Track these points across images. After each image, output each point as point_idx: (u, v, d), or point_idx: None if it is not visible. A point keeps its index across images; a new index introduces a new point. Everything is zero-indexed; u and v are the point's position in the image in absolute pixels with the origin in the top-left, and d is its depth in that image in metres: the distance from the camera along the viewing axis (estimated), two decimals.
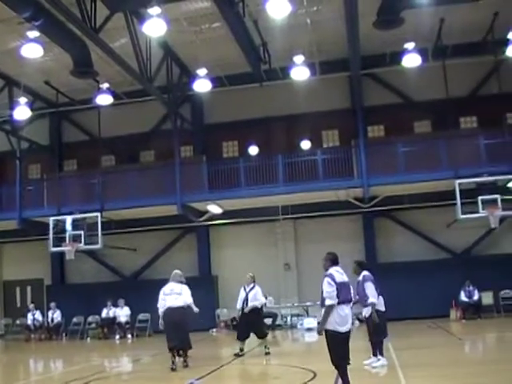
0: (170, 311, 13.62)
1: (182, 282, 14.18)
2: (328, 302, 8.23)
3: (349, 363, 8.42)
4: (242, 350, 15.96)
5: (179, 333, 13.54)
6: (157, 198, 24.45)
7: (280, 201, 24.81)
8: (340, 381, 8.28)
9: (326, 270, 8.67)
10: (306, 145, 27.03)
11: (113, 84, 25.53)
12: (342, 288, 8.35)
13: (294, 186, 23.83)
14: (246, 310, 16.10)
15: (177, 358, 13.58)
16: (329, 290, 8.30)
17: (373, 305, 11.89)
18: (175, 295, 13.81)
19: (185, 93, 26.31)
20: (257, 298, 16.37)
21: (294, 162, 24.28)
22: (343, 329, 8.33)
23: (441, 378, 10.55)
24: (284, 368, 13.62)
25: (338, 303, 8.27)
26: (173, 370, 13.18)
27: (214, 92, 25.29)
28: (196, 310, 14.19)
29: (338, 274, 8.52)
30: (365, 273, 12.28)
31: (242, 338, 16.12)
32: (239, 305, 16.35)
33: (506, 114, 24.75)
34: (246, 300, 16.23)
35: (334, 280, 8.36)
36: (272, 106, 26.60)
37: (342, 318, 8.33)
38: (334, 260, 8.79)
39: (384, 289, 9.33)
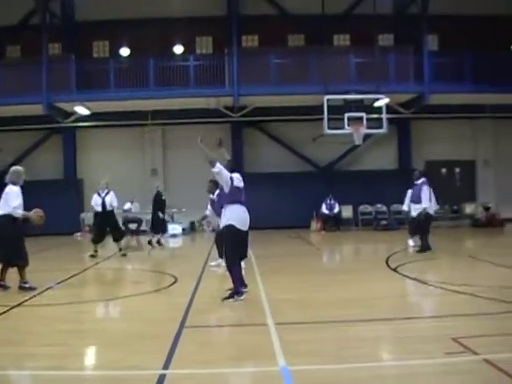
0: None
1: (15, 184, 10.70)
2: (215, 170, 9.24)
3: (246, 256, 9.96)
4: (96, 251, 16.37)
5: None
6: (22, 96, 23.24)
7: (150, 105, 24.40)
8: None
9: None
10: (179, 50, 26.54)
11: None
12: (237, 191, 9.39)
13: (165, 91, 23.44)
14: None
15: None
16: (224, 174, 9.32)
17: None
18: None
19: None
20: (112, 202, 16.70)
21: (166, 67, 23.81)
22: (243, 228, 9.32)
23: (294, 285, 11.03)
24: (146, 273, 13.76)
25: (232, 202, 9.32)
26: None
27: None
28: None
29: (237, 179, 9.46)
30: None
31: (97, 240, 16.56)
32: (96, 209, 16.57)
33: (379, 35, 25.26)
34: (103, 204, 16.55)
35: (232, 180, 9.35)
36: (147, 7, 25.71)
37: (242, 220, 9.32)
38: (232, 167, 9.74)
39: (250, 198, 9.50)
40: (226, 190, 9.34)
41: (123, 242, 17.38)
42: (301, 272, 12.94)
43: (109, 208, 16.57)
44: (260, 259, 14.50)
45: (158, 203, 19.75)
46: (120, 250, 16.75)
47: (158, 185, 21.21)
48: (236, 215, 9.30)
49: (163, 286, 11.06)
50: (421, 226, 15.48)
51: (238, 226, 9.25)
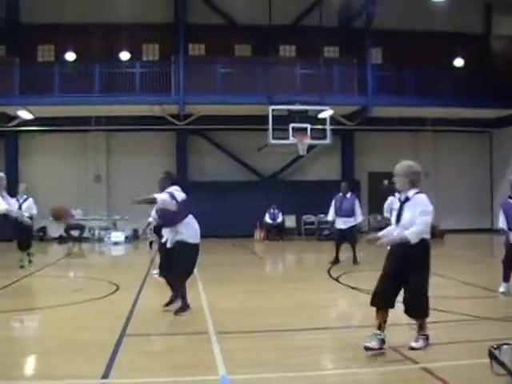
0: None
1: None
2: (159, 204, 8.98)
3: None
4: (21, 260, 15.58)
5: None
6: None
7: (94, 111, 24.16)
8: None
9: (164, 188, 9.16)
10: (125, 56, 26.36)
11: None
12: (183, 204, 9.05)
13: (110, 98, 23.26)
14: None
15: None
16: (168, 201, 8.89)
17: None
18: None
19: None
20: (30, 210, 16.15)
21: (112, 73, 23.67)
22: (197, 241, 9.11)
23: (237, 293, 11.08)
24: (88, 280, 13.61)
25: (184, 217, 9.00)
26: None
27: None
28: None
29: (178, 193, 9.09)
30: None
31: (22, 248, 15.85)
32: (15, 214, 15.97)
33: (324, 47, 25.58)
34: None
35: (175, 199, 8.94)
36: (94, 12, 25.43)
37: (196, 232, 9.09)
38: (173, 179, 9.48)
39: (194, 207, 9.47)
40: (174, 209, 8.94)
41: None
42: (243, 281, 13.00)
43: (25, 213, 15.51)
44: (203, 268, 14.41)
45: None
46: (21, 260, 15.65)
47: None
48: (191, 230, 9.03)
49: (105, 294, 10.97)
50: (353, 239, 15.70)
51: (192, 241, 8.99)
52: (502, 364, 0.65)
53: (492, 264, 16.95)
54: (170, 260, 9.08)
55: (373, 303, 6.73)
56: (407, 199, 6.79)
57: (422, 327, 6.85)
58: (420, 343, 6.74)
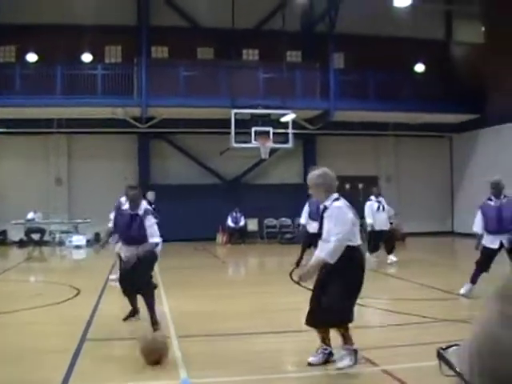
0: None
1: None
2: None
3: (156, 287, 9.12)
4: None
5: None
6: None
7: (56, 113, 23.91)
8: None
9: (138, 205, 8.61)
10: (87, 58, 26.14)
11: None
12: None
13: (72, 100, 23.04)
14: None
15: None
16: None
17: None
18: None
19: None
20: None
21: (74, 75, 23.47)
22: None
23: (199, 297, 11.08)
24: (49, 284, 13.48)
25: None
26: None
27: None
28: None
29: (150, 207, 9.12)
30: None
31: None
32: None
33: (287, 51, 25.71)
34: None
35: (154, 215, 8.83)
36: (56, 13, 25.12)
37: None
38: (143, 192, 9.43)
39: (157, 211, 9.45)
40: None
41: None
42: (206, 284, 13.00)
43: None
44: (165, 272, 14.44)
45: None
46: None
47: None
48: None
49: (65, 298, 10.88)
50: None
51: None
52: (449, 365, 0.67)
53: (452, 267, 17.25)
54: (136, 273, 8.29)
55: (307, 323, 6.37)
56: (325, 208, 6.43)
57: (344, 338, 6.28)
58: (346, 362, 6.19)
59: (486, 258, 10.27)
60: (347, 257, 6.09)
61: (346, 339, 6.23)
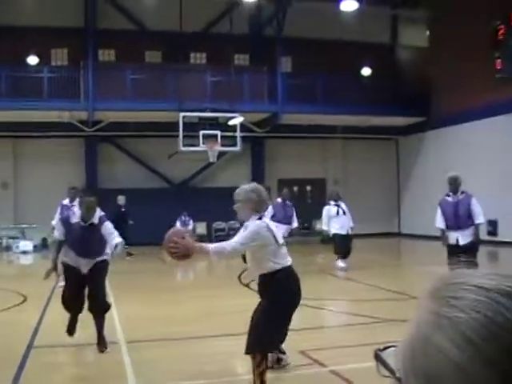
0: None
1: None
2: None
3: None
4: None
5: None
6: None
7: (1, 116, 23.48)
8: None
9: (93, 214, 7.65)
10: (33, 60, 25.74)
11: None
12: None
13: (17, 103, 22.64)
14: None
15: None
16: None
17: None
18: None
19: None
20: None
21: (19, 77, 23.09)
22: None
23: (147, 302, 11.04)
24: None
25: None
26: None
27: None
28: None
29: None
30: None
31: None
32: None
33: (235, 54, 25.77)
34: None
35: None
36: (1, 13, 24.76)
37: None
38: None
39: (107, 215, 9.27)
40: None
41: None
42: (153, 289, 12.93)
43: None
44: (112, 277, 14.27)
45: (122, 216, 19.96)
46: None
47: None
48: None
49: (12, 304, 10.70)
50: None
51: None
52: (386, 366, 0.68)
53: (400, 267, 17.50)
54: (96, 288, 7.60)
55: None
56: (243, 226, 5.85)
57: (255, 366, 5.61)
58: None
59: (450, 255, 10.12)
60: (271, 279, 5.67)
61: (259, 367, 5.58)
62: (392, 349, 0.82)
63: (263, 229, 5.64)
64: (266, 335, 5.54)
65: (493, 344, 0.67)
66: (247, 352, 5.59)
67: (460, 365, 0.67)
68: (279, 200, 16.23)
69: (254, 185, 5.97)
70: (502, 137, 21.62)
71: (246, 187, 5.87)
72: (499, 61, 21.88)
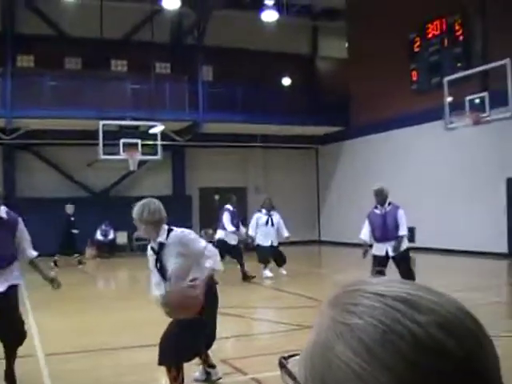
0: None
1: None
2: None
3: None
4: None
5: None
6: None
7: None
8: None
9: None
10: None
11: None
12: None
13: None
14: None
15: None
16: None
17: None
18: None
19: None
20: None
21: None
22: None
23: (66, 313, 10.86)
24: None
25: None
26: None
27: None
28: None
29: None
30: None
31: None
32: None
33: (156, 63, 25.68)
34: None
35: None
36: None
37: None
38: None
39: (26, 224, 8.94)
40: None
41: None
42: (73, 300, 12.68)
43: None
44: (31, 288, 14.01)
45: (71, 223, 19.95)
46: None
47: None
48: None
49: None
50: (240, 254, 15.42)
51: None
52: (290, 374, 0.70)
53: (321, 275, 17.75)
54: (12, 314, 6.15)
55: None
56: (162, 246, 5.71)
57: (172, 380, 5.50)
58: None
59: (376, 266, 10.19)
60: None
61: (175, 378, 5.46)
62: (296, 357, 0.81)
63: (189, 237, 5.75)
64: (179, 345, 5.40)
65: (389, 349, 0.68)
66: (160, 363, 5.50)
67: (357, 371, 0.69)
68: (231, 207, 15.90)
69: (148, 201, 5.96)
70: (416, 146, 22.26)
71: (141, 208, 5.91)
72: (415, 72, 22.56)
